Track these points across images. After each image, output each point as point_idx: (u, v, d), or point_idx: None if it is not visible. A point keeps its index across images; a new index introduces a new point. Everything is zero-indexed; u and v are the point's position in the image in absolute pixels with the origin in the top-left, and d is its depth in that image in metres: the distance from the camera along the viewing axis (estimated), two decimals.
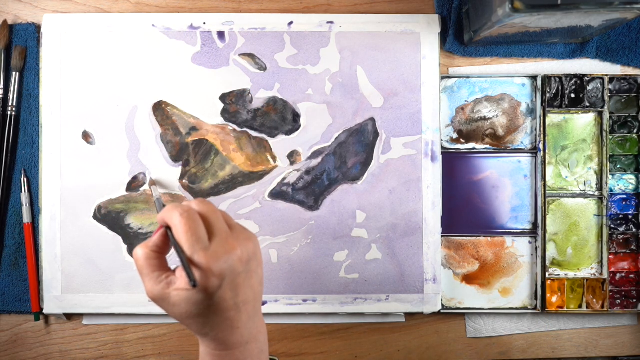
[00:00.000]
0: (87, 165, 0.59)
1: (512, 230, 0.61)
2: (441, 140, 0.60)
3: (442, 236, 0.60)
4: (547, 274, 0.60)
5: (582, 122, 0.61)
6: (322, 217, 0.59)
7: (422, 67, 0.60)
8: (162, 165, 0.59)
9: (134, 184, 0.59)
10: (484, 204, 0.61)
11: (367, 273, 0.59)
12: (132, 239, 0.59)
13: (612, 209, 0.60)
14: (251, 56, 0.59)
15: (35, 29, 0.60)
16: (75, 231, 0.59)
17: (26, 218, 0.59)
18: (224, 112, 0.59)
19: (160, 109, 0.59)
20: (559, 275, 0.61)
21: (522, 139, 0.61)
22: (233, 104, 0.59)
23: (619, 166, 0.61)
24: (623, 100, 0.61)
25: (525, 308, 0.61)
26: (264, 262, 0.59)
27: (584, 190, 0.61)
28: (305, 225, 0.59)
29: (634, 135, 0.60)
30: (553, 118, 0.61)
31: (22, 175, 0.59)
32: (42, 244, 0.59)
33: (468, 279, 0.61)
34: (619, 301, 0.60)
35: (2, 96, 0.59)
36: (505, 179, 0.61)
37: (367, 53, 0.59)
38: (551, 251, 0.60)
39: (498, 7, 0.49)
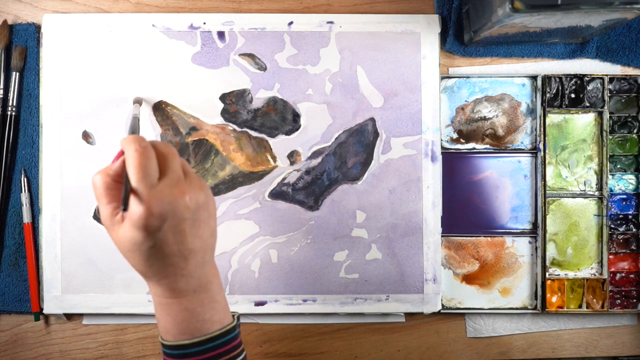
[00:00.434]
0: (87, 165, 0.59)
1: (512, 230, 0.61)
2: (441, 140, 0.60)
3: (442, 236, 0.60)
4: (547, 274, 0.60)
5: (582, 122, 0.61)
6: (322, 217, 0.59)
7: (422, 67, 0.60)
8: None
9: None
10: (484, 204, 0.61)
11: (367, 273, 0.59)
12: None
13: (612, 209, 0.60)
14: (251, 56, 0.59)
15: (35, 29, 0.60)
16: (75, 231, 0.59)
17: (26, 218, 0.59)
18: (224, 112, 0.59)
19: (160, 109, 0.59)
20: (559, 275, 0.61)
21: (522, 139, 0.61)
22: (233, 104, 0.59)
23: (619, 166, 0.61)
24: (623, 100, 0.61)
25: (525, 308, 0.61)
26: (264, 262, 0.59)
27: (584, 190, 0.61)
28: (305, 225, 0.59)
29: (634, 135, 0.60)
30: (553, 118, 0.61)
31: (22, 175, 0.59)
32: (42, 244, 0.59)
33: (468, 279, 0.61)
34: (619, 301, 0.60)
35: (2, 96, 0.59)
36: (505, 179, 0.61)
37: (367, 53, 0.59)
38: (551, 251, 0.60)
39: (498, 7, 0.49)
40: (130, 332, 0.61)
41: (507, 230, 0.61)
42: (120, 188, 0.42)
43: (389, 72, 0.60)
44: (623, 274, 0.60)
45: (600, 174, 0.61)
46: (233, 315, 0.48)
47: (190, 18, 0.59)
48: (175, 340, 0.45)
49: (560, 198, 0.61)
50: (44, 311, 0.59)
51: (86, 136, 0.59)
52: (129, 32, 0.59)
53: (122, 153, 0.43)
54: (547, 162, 0.60)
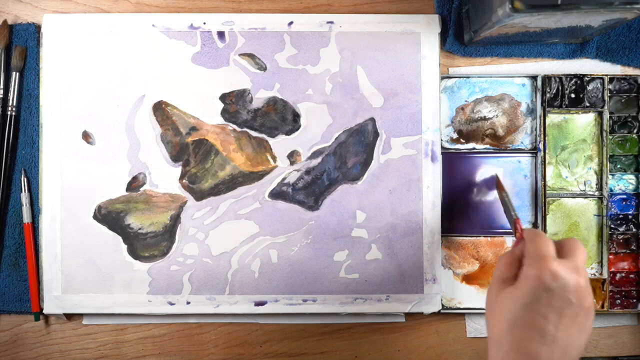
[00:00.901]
0: (87, 165, 0.59)
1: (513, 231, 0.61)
2: (441, 140, 0.60)
3: (442, 236, 0.60)
4: None
5: (582, 122, 0.61)
6: (322, 217, 0.59)
7: (422, 67, 0.60)
8: (162, 165, 0.59)
9: (134, 184, 0.59)
10: (484, 204, 0.61)
11: (367, 273, 0.59)
12: (132, 239, 0.59)
13: (612, 209, 0.60)
14: (251, 56, 0.59)
15: (35, 29, 0.60)
16: (75, 231, 0.59)
17: (26, 218, 0.59)
18: (224, 112, 0.60)
19: (160, 109, 0.59)
20: None
21: (522, 139, 0.61)
22: (233, 104, 0.60)
23: (619, 166, 0.61)
24: (623, 100, 0.61)
25: None
26: (264, 262, 0.59)
27: (584, 190, 0.61)
28: (305, 225, 0.59)
29: (634, 135, 0.60)
30: (553, 118, 0.61)
31: (22, 175, 0.59)
32: (42, 244, 0.59)
33: (468, 279, 0.61)
34: (619, 301, 0.60)
35: (2, 96, 0.59)
36: (505, 179, 0.61)
37: (367, 53, 0.60)
38: None
39: (498, 7, 0.49)
40: (130, 332, 0.61)
41: (507, 230, 0.61)
42: (520, 267, 0.46)
43: (389, 72, 0.60)
44: (623, 274, 0.60)
45: (600, 174, 0.61)
46: None
47: (190, 18, 0.59)
48: None
49: (560, 198, 0.61)
50: (44, 311, 0.59)
51: (86, 136, 0.59)
52: (129, 32, 0.59)
53: (520, 229, 0.49)
54: (547, 162, 0.60)
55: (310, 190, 0.60)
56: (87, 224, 0.59)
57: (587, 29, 0.55)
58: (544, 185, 0.60)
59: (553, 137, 0.61)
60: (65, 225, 0.59)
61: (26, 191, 0.59)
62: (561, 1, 0.46)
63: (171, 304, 0.59)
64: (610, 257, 0.60)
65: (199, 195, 0.59)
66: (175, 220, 0.59)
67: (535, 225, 0.61)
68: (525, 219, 0.61)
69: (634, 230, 0.60)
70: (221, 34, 0.59)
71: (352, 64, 0.60)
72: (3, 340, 0.60)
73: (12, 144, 0.59)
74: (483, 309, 0.60)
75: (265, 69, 0.59)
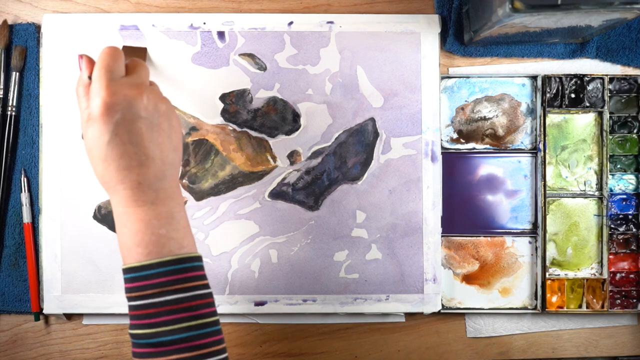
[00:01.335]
0: (87, 165, 0.59)
1: (512, 230, 0.61)
2: (441, 140, 0.60)
3: (442, 236, 0.60)
4: (547, 274, 0.60)
5: (582, 122, 0.61)
6: (322, 217, 0.59)
7: (422, 67, 0.60)
8: None
9: None
10: (484, 204, 0.61)
11: (367, 273, 0.59)
12: None
13: (612, 209, 0.60)
14: (251, 56, 0.59)
15: (35, 29, 0.60)
16: (75, 231, 0.59)
17: (26, 218, 0.59)
18: (224, 112, 0.60)
19: None
20: (559, 275, 0.61)
21: (522, 139, 0.61)
22: (233, 104, 0.60)
23: (619, 166, 0.61)
24: (623, 100, 0.61)
25: (525, 308, 0.61)
26: (264, 262, 0.59)
27: (584, 190, 0.61)
28: (305, 225, 0.59)
29: (634, 135, 0.60)
30: (553, 118, 0.61)
31: (22, 175, 0.59)
32: (42, 244, 0.59)
33: (468, 279, 0.61)
34: (619, 301, 0.60)
35: (2, 96, 0.59)
36: (505, 179, 0.61)
37: (367, 53, 0.59)
38: (551, 251, 0.60)
39: (498, 7, 0.49)
40: None
41: (507, 230, 0.61)
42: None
43: (389, 72, 0.60)
44: (623, 274, 0.60)
45: (600, 174, 0.61)
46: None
47: (190, 18, 0.59)
48: (132, 260, 0.44)
49: (560, 198, 0.61)
50: (44, 311, 0.59)
51: None
52: (128, 32, 0.59)
53: (80, 58, 0.48)
54: (547, 162, 0.60)
55: (310, 190, 0.60)
56: (87, 224, 0.59)
57: (587, 29, 0.55)
58: (544, 185, 0.60)
59: (553, 137, 0.61)
60: (65, 225, 0.59)
61: (26, 191, 0.59)
62: (561, 1, 0.46)
63: None
64: (610, 257, 0.60)
65: (199, 195, 0.59)
66: None
67: (535, 225, 0.61)
68: (525, 218, 0.61)
69: (634, 230, 0.60)
70: (221, 34, 0.59)
71: (352, 64, 0.60)
72: (3, 340, 0.60)
73: (12, 144, 0.59)
74: (483, 309, 0.60)
75: (265, 69, 0.59)
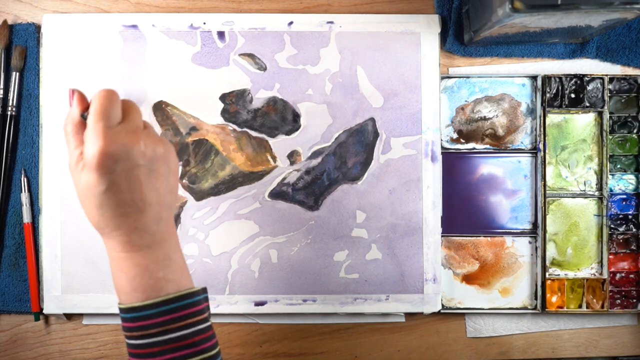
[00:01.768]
0: None
1: (512, 230, 0.61)
2: (441, 140, 0.60)
3: (442, 236, 0.60)
4: (547, 274, 0.60)
5: (582, 122, 0.61)
6: (322, 217, 0.59)
7: (422, 67, 0.60)
8: None
9: None
10: (484, 204, 0.61)
11: (367, 273, 0.59)
12: None
13: (612, 209, 0.60)
14: (251, 56, 0.59)
15: (35, 29, 0.60)
16: (75, 231, 0.59)
17: (26, 218, 0.59)
18: (224, 112, 0.59)
19: (160, 109, 0.59)
20: (558, 275, 0.61)
21: (522, 139, 0.61)
22: (233, 104, 0.60)
23: (619, 166, 0.61)
24: (623, 100, 0.61)
25: (525, 308, 0.61)
26: (264, 262, 0.59)
27: (584, 190, 0.61)
28: (305, 225, 0.59)
29: (634, 135, 0.60)
30: (553, 118, 0.61)
31: (22, 175, 0.59)
32: (42, 244, 0.59)
33: (468, 279, 0.61)
34: (619, 301, 0.60)
35: (2, 96, 0.59)
36: (505, 179, 0.61)
37: (367, 53, 0.59)
38: (551, 251, 0.60)
39: (498, 7, 0.49)
40: None
41: (507, 230, 0.61)
42: (81, 133, 0.45)
43: (389, 72, 0.60)
44: (623, 274, 0.60)
45: (600, 174, 0.61)
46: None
47: (190, 18, 0.59)
48: (129, 301, 0.44)
49: (560, 198, 0.61)
50: (44, 311, 0.59)
51: None
52: (128, 32, 0.59)
53: (72, 93, 0.46)
54: (547, 162, 0.60)
55: (310, 190, 0.60)
56: (87, 224, 0.58)
57: (587, 29, 0.55)
58: (544, 185, 0.60)
59: (553, 137, 0.61)
60: (65, 225, 0.59)
61: (26, 191, 0.59)
62: (561, 1, 0.46)
63: None
64: (610, 257, 0.60)
65: (199, 195, 0.59)
66: (175, 220, 0.59)
67: (535, 225, 0.61)
68: (525, 218, 0.61)
69: (633, 230, 0.60)
70: (221, 34, 0.59)
71: (352, 64, 0.60)
72: (3, 340, 0.60)
73: (12, 144, 0.59)
74: (483, 309, 0.60)
75: (265, 69, 0.59)
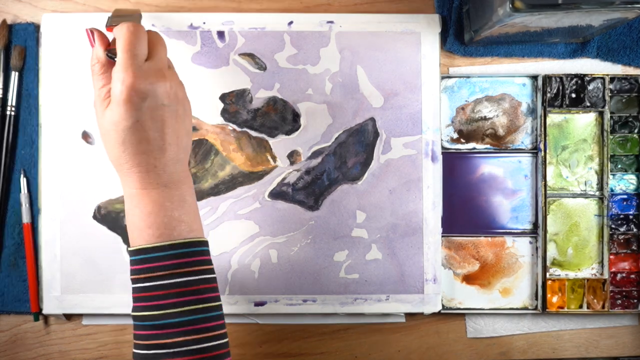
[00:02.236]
0: (87, 165, 0.59)
1: (513, 231, 0.61)
2: (441, 140, 0.60)
3: (442, 236, 0.60)
4: (547, 274, 0.59)
5: (583, 122, 0.61)
6: (322, 217, 0.59)
7: (422, 67, 0.59)
8: None
9: None
10: (484, 204, 0.61)
11: (367, 273, 0.59)
12: None
13: (613, 209, 0.60)
14: (251, 56, 0.59)
15: (35, 28, 0.60)
16: (75, 231, 0.59)
17: (25, 218, 0.59)
18: (223, 112, 0.59)
19: None
20: (559, 275, 0.60)
21: (523, 139, 0.61)
22: (233, 103, 0.59)
23: (619, 166, 0.61)
24: (624, 100, 0.60)
25: (526, 308, 0.60)
26: (264, 262, 0.59)
27: (585, 190, 0.61)
28: (305, 225, 0.59)
29: (634, 135, 0.60)
30: (554, 118, 0.61)
31: (22, 175, 0.59)
32: (41, 244, 0.59)
33: (468, 279, 0.61)
34: (619, 301, 0.60)
35: (1, 96, 0.59)
36: (505, 179, 0.61)
37: (367, 53, 0.59)
38: (552, 251, 0.60)
39: (498, 7, 0.49)
40: (130, 332, 0.60)
41: (508, 231, 0.61)
42: (108, 72, 0.46)
43: (389, 72, 0.59)
44: (624, 274, 0.60)
45: (601, 174, 0.60)
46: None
47: (190, 18, 0.59)
48: (141, 240, 0.44)
49: (560, 198, 0.61)
50: (44, 311, 0.59)
51: (86, 136, 0.59)
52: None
53: (91, 33, 0.46)
54: (547, 162, 0.60)
55: (310, 190, 0.60)
56: (87, 224, 0.59)
57: (588, 28, 0.55)
58: (545, 185, 0.59)
59: (554, 137, 0.61)
60: (65, 225, 0.59)
61: (25, 191, 0.59)
62: (562, 1, 0.46)
63: None
64: (611, 257, 0.60)
65: (199, 195, 0.59)
66: None
67: (535, 225, 0.60)
68: (525, 218, 0.61)
69: (634, 230, 0.60)
70: (221, 34, 0.59)
71: (352, 63, 0.59)
72: (3, 340, 0.60)
73: (12, 144, 0.59)
74: (484, 309, 0.60)
75: (265, 68, 0.59)
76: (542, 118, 0.60)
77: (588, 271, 0.61)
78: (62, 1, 0.60)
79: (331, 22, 0.59)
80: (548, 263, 0.60)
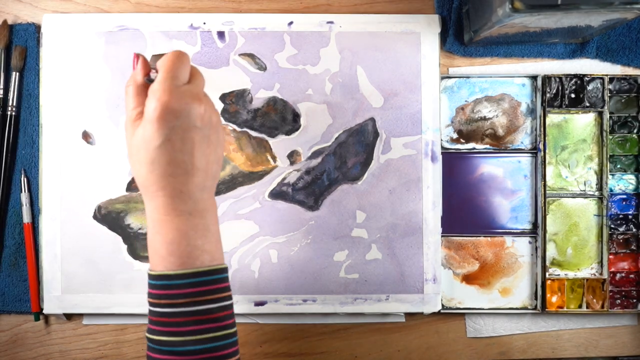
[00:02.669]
0: (87, 165, 0.59)
1: (512, 230, 0.61)
2: (441, 140, 0.60)
3: (442, 236, 0.60)
4: (547, 274, 0.60)
5: (582, 122, 0.61)
6: (322, 217, 0.59)
7: (422, 67, 0.60)
8: None
9: (134, 184, 0.59)
10: (484, 204, 0.61)
11: (367, 273, 0.59)
12: (132, 239, 0.59)
13: (612, 209, 0.60)
14: (251, 56, 0.59)
15: (35, 29, 0.60)
16: (75, 231, 0.59)
17: (26, 218, 0.59)
18: (224, 112, 0.59)
19: None
20: (559, 275, 0.61)
21: (522, 139, 0.61)
22: (233, 104, 0.60)
23: (619, 166, 0.61)
24: (623, 100, 0.61)
25: (525, 308, 0.61)
26: (264, 262, 0.59)
27: (584, 190, 0.61)
28: (305, 225, 0.59)
29: (634, 135, 0.60)
30: (553, 118, 0.61)
31: (22, 175, 0.59)
32: (42, 244, 0.59)
33: (468, 279, 0.61)
34: (619, 301, 0.60)
35: (2, 96, 0.59)
36: (505, 179, 0.61)
37: (367, 53, 0.59)
38: (551, 251, 0.60)
39: (498, 7, 0.49)
40: (130, 332, 0.61)
41: (507, 230, 0.61)
42: (147, 94, 0.45)
43: (389, 72, 0.60)
44: (623, 274, 0.60)
45: (600, 174, 0.61)
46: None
47: (190, 18, 0.59)
48: (162, 267, 0.44)
49: (560, 198, 0.61)
50: (44, 311, 0.59)
51: (86, 136, 0.59)
52: (128, 32, 0.59)
53: (136, 57, 0.47)
54: (547, 162, 0.60)
55: (310, 190, 0.60)
56: (87, 224, 0.59)
57: (587, 28, 0.55)
58: (544, 185, 0.60)
59: (553, 137, 0.61)
60: (65, 225, 0.59)
61: (26, 191, 0.59)
62: (561, 1, 0.46)
63: None
64: (610, 257, 0.60)
65: None
66: None
67: (535, 225, 0.61)
68: (525, 218, 0.61)
69: (634, 230, 0.60)
70: (221, 34, 0.59)
71: (352, 64, 0.60)
72: (3, 340, 0.60)
73: (12, 144, 0.59)
74: (483, 309, 0.60)
75: (265, 69, 0.59)
76: (542, 118, 0.60)
77: (587, 271, 0.61)
78: (62, 2, 0.60)
79: (331, 22, 0.59)
80: (547, 263, 0.60)
